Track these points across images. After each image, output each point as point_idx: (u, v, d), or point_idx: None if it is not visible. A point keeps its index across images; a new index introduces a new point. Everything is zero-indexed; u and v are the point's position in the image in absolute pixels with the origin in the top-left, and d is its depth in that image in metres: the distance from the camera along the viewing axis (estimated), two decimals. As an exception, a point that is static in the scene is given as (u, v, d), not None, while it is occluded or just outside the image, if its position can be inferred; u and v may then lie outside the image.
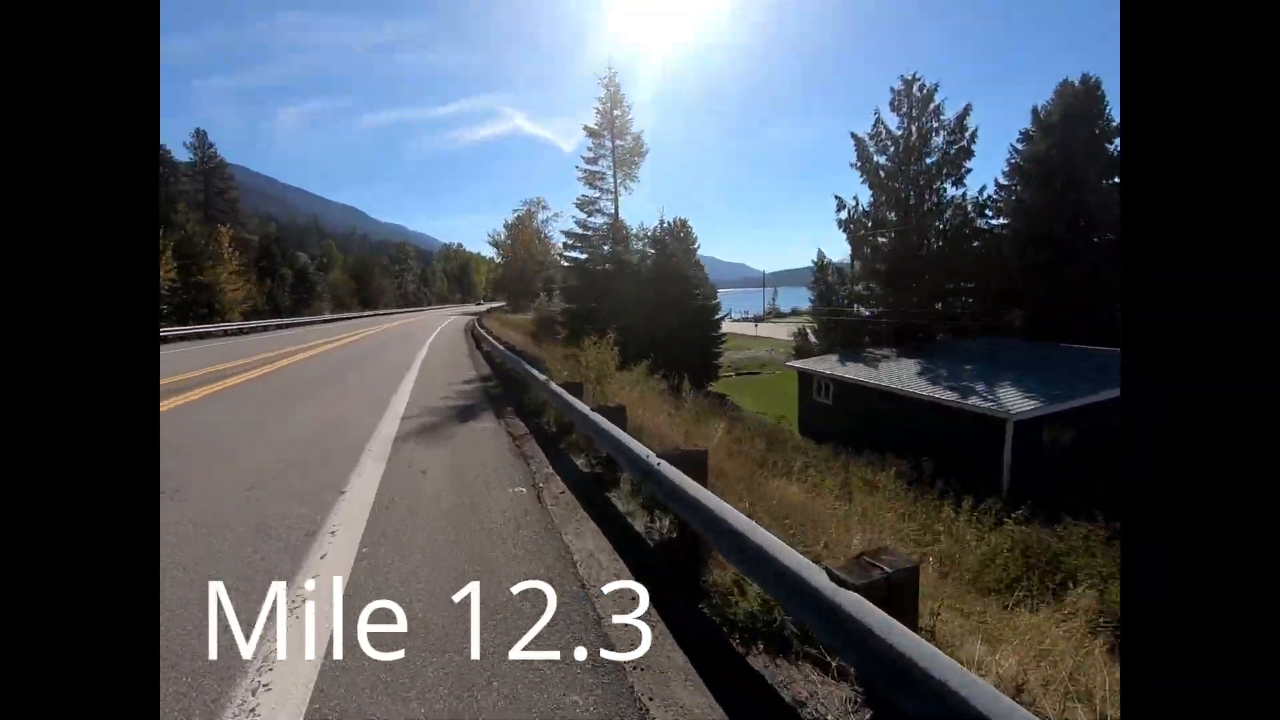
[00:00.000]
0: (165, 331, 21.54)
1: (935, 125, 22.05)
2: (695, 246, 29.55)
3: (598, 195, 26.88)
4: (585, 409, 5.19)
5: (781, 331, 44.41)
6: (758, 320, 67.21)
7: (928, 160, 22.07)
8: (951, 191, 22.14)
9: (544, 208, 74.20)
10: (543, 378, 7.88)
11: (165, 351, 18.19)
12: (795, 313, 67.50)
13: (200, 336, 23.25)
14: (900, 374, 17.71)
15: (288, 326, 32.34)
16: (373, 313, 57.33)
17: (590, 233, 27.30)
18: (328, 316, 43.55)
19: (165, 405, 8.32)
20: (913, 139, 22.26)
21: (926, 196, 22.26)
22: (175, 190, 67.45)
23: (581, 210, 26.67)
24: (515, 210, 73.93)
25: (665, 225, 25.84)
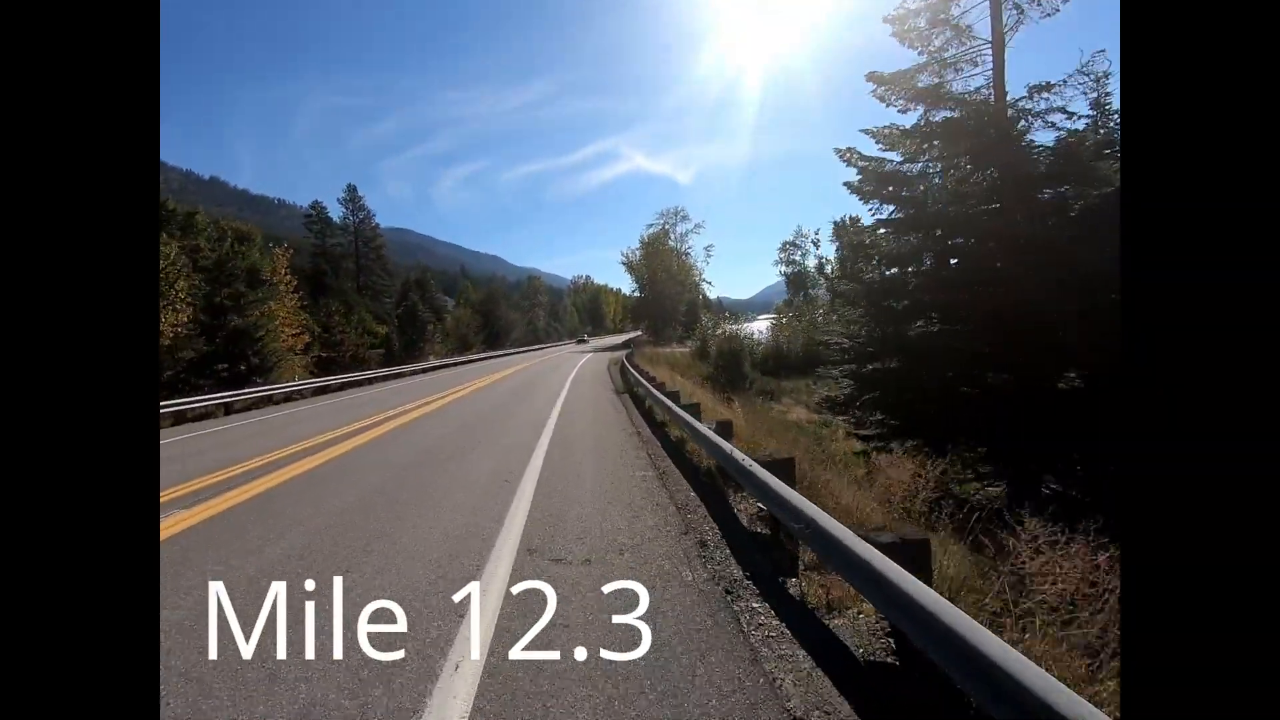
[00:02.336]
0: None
1: None
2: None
3: (923, 62, 10.55)
4: None
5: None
6: None
7: None
8: None
9: (684, 218, 60.77)
10: None
11: None
12: None
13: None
14: None
15: (343, 387, 20.33)
16: (491, 354, 46.16)
17: (906, 162, 9.58)
18: (424, 365, 32.19)
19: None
20: None
21: None
22: (330, 244, 64.42)
23: (887, 92, 10.52)
24: (650, 225, 61.06)
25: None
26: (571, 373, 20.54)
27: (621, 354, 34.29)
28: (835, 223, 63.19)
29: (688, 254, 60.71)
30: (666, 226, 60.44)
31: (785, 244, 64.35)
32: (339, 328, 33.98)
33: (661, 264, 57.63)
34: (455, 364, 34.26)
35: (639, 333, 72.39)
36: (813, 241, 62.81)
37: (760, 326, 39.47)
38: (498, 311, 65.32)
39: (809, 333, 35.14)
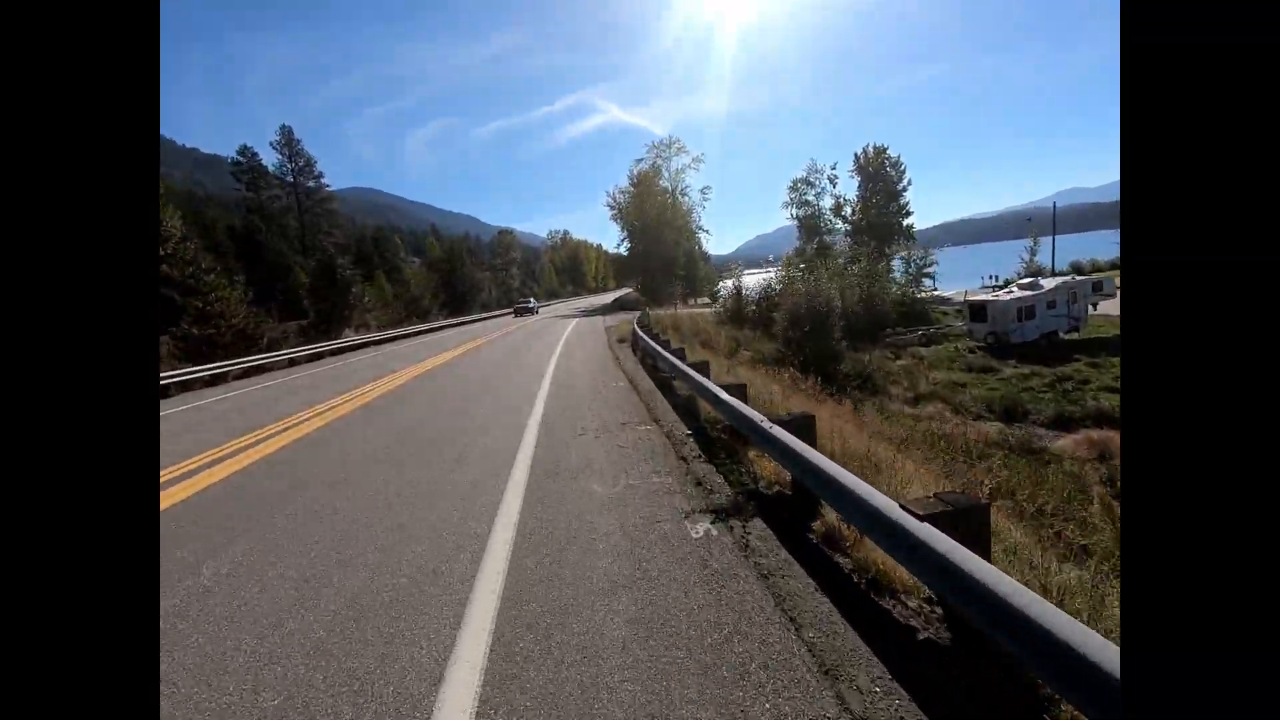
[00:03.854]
0: None
1: None
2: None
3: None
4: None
5: None
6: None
7: None
8: None
9: (680, 150, 49.51)
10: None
11: None
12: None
13: None
14: None
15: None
16: (433, 325, 35.39)
17: None
18: (311, 349, 21.73)
19: None
20: None
21: None
22: (266, 197, 52.17)
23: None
24: (639, 161, 49.85)
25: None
26: (545, 376, 10.52)
27: (618, 319, 24.25)
28: (857, 154, 52.72)
29: (685, 194, 49.96)
30: (659, 162, 49.34)
31: (796, 182, 53.51)
32: (217, 293, 23.32)
33: (655, 207, 46.91)
34: (352, 346, 23.70)
35: (629, 291, 62.04)
36: (829, 179, 52.26)
37: (750, 282, 29.26)
38: (462, 270, 54.25)
39: (869, 283, 25.53)
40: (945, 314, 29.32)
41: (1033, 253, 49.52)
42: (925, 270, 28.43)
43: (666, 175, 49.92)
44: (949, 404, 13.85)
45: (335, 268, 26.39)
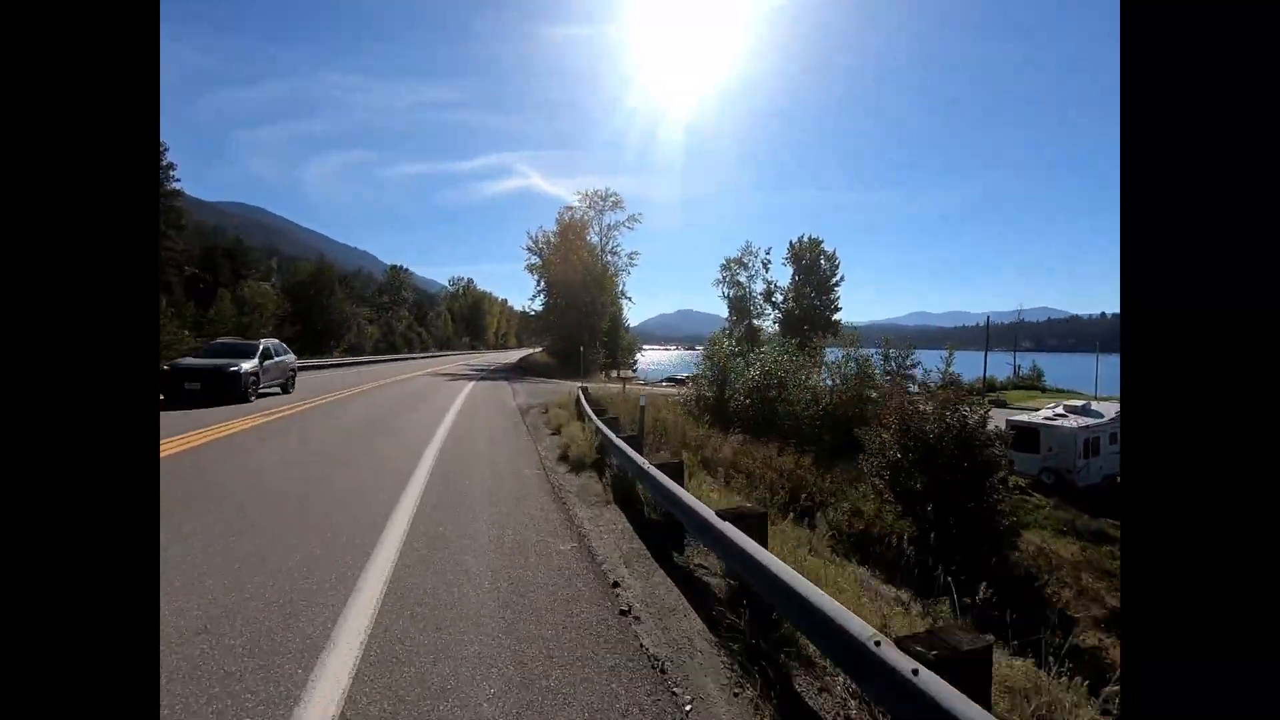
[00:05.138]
0: None
1: None
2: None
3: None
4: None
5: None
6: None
7: None
8: None
9: (617, 206, 43.80)
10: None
11: None
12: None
13: None
14: None
15: None
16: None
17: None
18: None
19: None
20: None
21: None
22: None
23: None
24: (569, 208, 43.39)
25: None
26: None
27: (536, 392, 15.69)
28: (792, 243, 50.77)
29: (616, 253, 44.03)
30: (590, 214, 43.28)
31: (729, 261, 50.43)
32: None
33: (581, 261, 40.22)
34: None
35: (536, 351, 53.56)
36: (763, 262, 49.62)
37: (662, 357, 23.02)
38: (330, 301, 42.97)
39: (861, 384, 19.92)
40: (919, 424, 24.40)
41: (948, 363, 49.35)
42: (907, 370, 23.78)
43: (597, 230, 43.98)
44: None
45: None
